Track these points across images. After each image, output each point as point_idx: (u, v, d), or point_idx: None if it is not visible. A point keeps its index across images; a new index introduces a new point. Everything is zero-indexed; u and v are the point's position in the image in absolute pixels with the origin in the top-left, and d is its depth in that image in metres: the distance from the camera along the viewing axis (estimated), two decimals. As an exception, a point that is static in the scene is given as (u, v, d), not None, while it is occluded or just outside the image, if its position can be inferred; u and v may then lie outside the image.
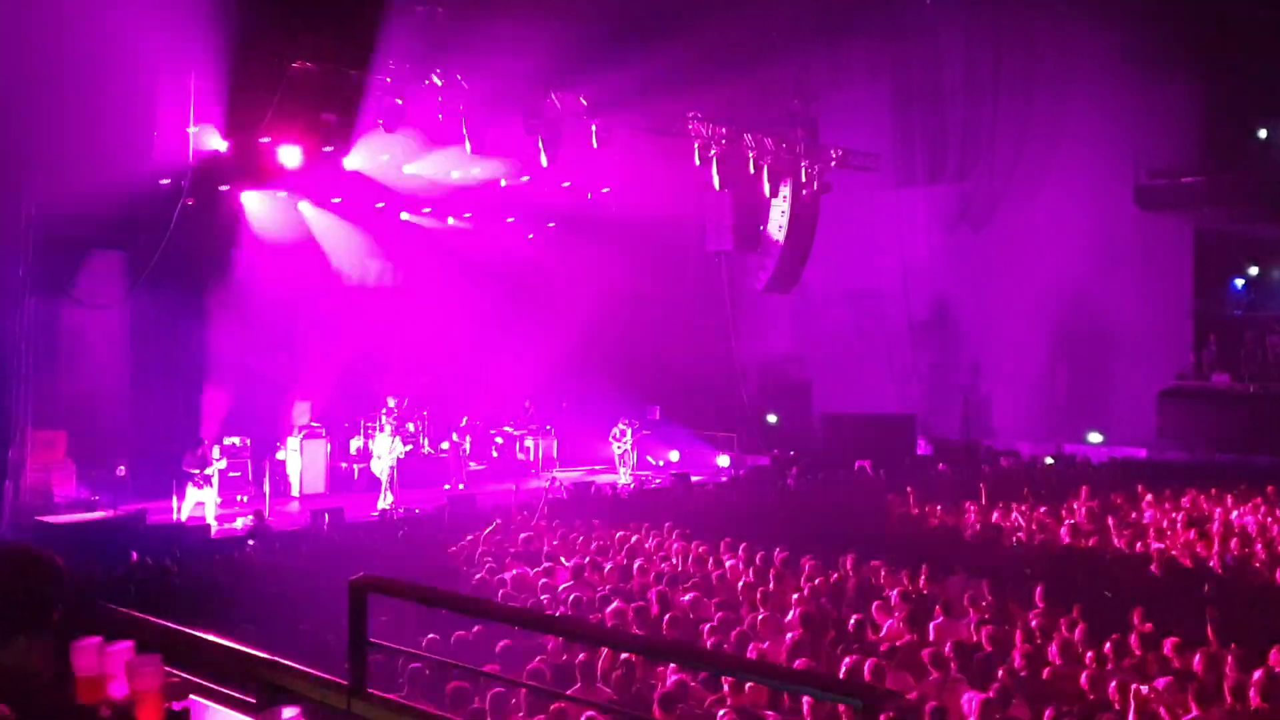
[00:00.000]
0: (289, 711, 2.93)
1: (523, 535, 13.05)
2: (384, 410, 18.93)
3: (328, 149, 17.48)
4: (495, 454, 21.73)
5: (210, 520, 15.45)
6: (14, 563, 2.87)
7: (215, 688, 3.44)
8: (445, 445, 20.40)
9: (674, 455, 23.28)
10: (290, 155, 16.92)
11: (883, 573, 10.93)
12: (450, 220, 21.96)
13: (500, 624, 7.37)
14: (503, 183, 20.63)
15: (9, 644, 2.76)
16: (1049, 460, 21.14)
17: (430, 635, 7.89)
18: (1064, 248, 23.66)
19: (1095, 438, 23.31)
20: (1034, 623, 8.93)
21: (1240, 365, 22.80)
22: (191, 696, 3.21)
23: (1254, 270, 24.64)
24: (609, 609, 8.92)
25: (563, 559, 11.59)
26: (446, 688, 6.62)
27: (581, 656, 7.13)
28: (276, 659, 3.59)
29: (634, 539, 12.63)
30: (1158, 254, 23.64)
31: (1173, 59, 22.10)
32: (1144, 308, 23.35)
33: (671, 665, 6.97)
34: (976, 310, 25.39)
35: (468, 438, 20.80)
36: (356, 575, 3.60)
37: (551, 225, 23.14)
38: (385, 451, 17.53)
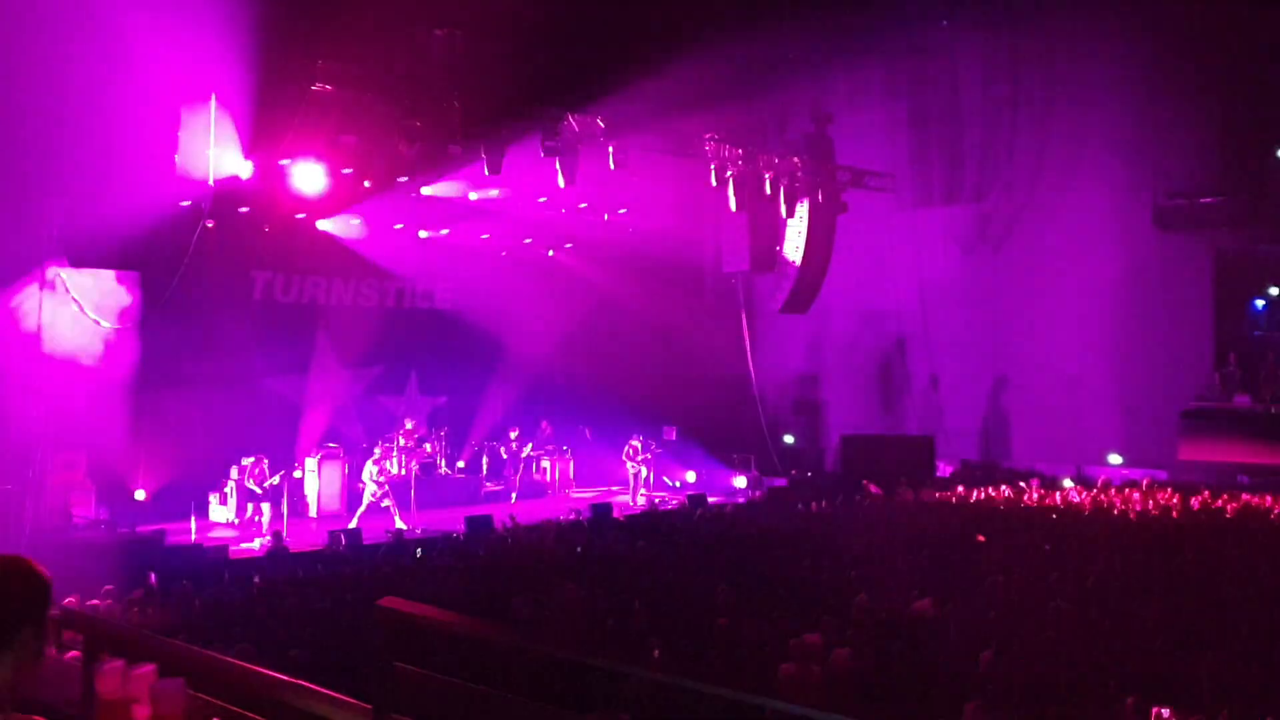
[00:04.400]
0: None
1: None
2: (400, 431, 18.97)
3: (346, 170, 17.55)
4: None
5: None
6: None
7: (238, 711, 3.42)
8: (461, 464, 20.34)
9: (691, 476, 23.20)
10: (310, 177, 16.97)
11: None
12: (467, 241, 22.01)
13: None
14: (520, 204, 20.69)
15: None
16: (1068, 482, 20.95)
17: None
18: (1082, 268, 23.51)
19: (1115, 459, 23.10)
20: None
21: (1261, 386, 22.56)
22: (215, 720, 3.18)
23: (1274, 291, 24.41)
24: None
25: None
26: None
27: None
28: (300, 682, 3.56)
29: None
30: (1177, 274, 23.44)
31: (1191, 79, 22.01)
32: (1164, 328, 23.14)
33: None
34: (994, 331, 25.23)
35: (485, 458, 20.75)
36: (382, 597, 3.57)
37: (569, 246, 23.18)
38: (369, 477, 17.58)
